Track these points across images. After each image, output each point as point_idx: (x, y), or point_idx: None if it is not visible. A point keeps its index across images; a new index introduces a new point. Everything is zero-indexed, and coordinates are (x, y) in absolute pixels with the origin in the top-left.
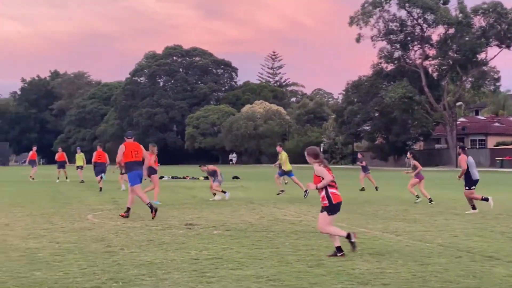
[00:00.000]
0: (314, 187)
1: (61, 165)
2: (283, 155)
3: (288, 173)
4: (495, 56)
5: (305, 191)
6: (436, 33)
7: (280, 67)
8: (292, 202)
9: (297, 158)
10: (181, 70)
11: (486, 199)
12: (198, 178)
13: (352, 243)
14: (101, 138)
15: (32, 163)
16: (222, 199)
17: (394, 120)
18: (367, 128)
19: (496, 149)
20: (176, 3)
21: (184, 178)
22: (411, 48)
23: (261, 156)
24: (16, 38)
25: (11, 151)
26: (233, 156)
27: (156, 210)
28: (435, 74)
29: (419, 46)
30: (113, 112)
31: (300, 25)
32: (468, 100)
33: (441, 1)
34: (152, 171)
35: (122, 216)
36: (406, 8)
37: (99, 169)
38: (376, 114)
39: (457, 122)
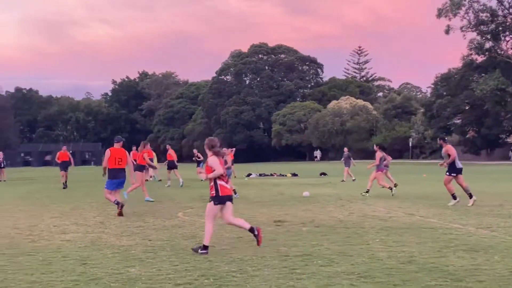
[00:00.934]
0: (205, 176)
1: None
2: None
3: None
4: None
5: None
6: None
7: (366, 61)
8: (381, 198)
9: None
10: (266, 67)
11: (454, 197)
12: (286, 175)
13: (256, 236)
14: (189, 137)
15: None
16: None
17: (486, 112)
18: (458, 121)
19: None
20: (261, 1)
21: (271, 175)
22: (502, 38)
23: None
24: (106, 41)
25: (103, 151)
26: (317, 153)
27: (122, 206)
28: None
29: (511, 36)
30: (201, 111)
31: (386, 18)
32: None
33: None
34: (138, 168)
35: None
36: None
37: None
38: (467, 107)
39: None
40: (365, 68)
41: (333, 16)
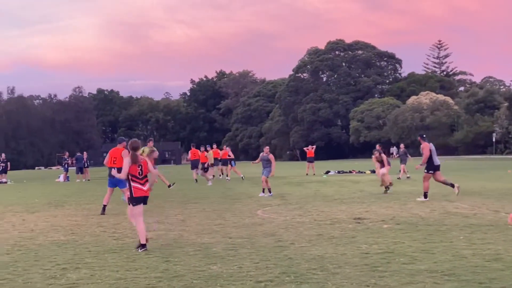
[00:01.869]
0: (118, 175)
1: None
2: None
3: None
4: None
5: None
6: None
7: (446, 56)
8: (464, 194)
9: (467, 149)
10: (343, 64)
11: (426, 196)
12: (365, 172)
13: (142, 246)
14: (267, 135)
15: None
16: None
17: None
18: None
19: None
20: None
21: (350, 172)
22: None
23: None
24: (184, 42)
25: (183, 150)
26: (393, 149)
27: (103, 209)
28: None
29: None
30: (278, 109)
31: (465, 10)
32: None
33: None
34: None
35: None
36: None
37: (194, 164)
38: None
39: None
40: (445, 62)
41: (411, 10)
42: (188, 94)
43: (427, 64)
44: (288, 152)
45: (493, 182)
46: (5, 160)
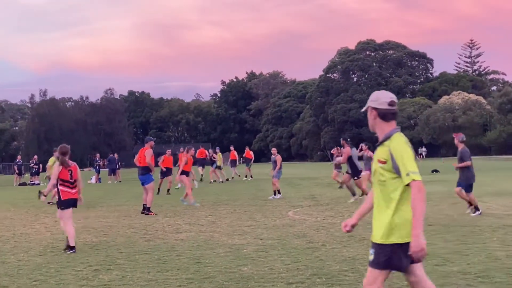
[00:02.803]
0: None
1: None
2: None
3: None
4: None
5: None
6: None
7: (479, 55)
8: (498, 195)
9: (501, 149)
10: (374, 64)
11: (354, 194)
12: None
13: (70, 248)
14: (298, 136)
15: (232, 163)
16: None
17: None
18: None
19: None
20: None
21: None
22: None
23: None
24: (215, 43)
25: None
26: (422, 150)
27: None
28: None
29: None
30: (308, 109)
31: (499, 9)
32: None
33: None
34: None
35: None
36: None
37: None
38: None
39: None
40: (478, 61)
41: (443, 9)
42: (219, 95)
43: (458, 64)
44: (319, 153)
45: None
46: (38, 162)
